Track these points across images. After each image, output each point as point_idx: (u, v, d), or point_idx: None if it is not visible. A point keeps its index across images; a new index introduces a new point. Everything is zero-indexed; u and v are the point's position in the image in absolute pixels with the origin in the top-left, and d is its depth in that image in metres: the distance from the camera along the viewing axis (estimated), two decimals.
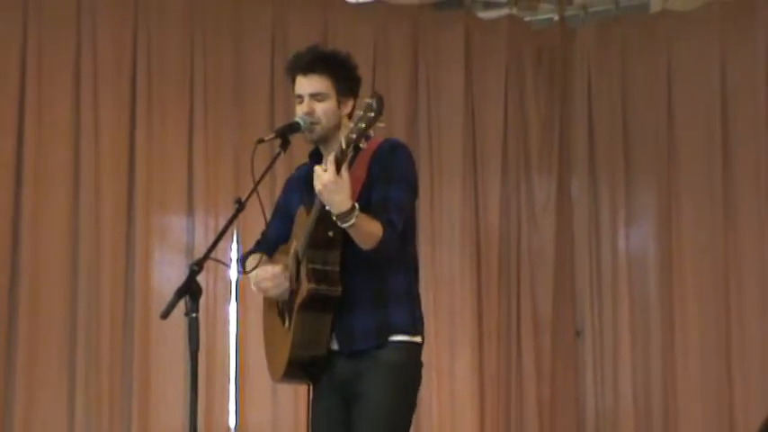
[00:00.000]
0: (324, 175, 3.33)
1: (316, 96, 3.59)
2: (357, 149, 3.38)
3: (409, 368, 3.60)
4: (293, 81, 3.65)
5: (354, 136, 3.28)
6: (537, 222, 6.74)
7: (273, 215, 3.84)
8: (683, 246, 6.44)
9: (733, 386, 6.18)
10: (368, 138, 3.33)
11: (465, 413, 6.40)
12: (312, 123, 3.58)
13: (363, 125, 3.26)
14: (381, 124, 3.29)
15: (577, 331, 6.71)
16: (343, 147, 3.30)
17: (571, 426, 6.62)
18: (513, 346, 6.58)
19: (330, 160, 3.34)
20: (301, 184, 3.72)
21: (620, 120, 6.66)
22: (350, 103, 3.64)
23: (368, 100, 3.28)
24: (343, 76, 3.63)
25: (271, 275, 3.62)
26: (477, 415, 6.40)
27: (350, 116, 3.61)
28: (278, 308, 3.70)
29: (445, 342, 6.44)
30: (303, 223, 3.56)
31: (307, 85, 3.61)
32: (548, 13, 7.01)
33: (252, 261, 3.74)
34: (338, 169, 3.32)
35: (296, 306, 3.52)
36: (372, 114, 3.26)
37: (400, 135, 6.05)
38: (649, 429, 6.43)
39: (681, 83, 6.52)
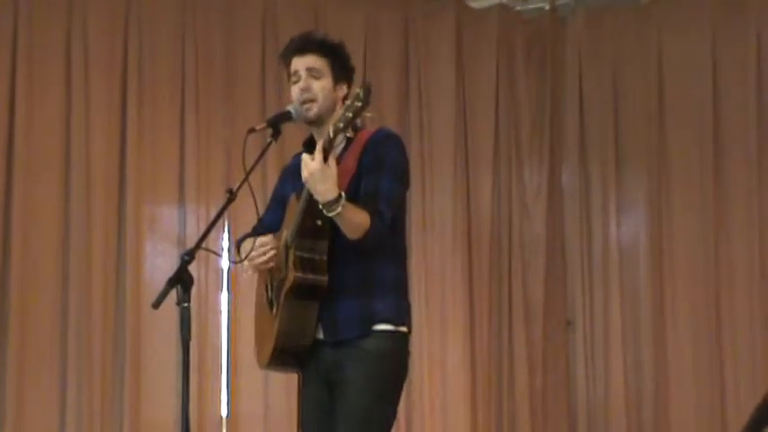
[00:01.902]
0: (311, 164, 3.33)
1: (312, 72, 3.60)
2: (349, 139, 3.37)
3: (394, 357, 3.57)
4: (288, 65, 3.66)
5: (342, 125, 3.28)
6: (528, 211, 6.74)
7: (269, 203, 3.87)
8: (674, 234, 6.44)
9: (724, 375, 6.19)
10: (356, 127, 3.33)
11: (456, 402, 6.40)
12: (308, 101, 3.58)
13: (350, 114, 3.27)
14: (369, 114, 3.30)
15: (569, 320, 6.72)
16: (331, 136, 3.31)
17: (562, 414, 6.63)
18: (505, 334, 6.59)
19: (318, 149, 3.34)
20: (294, 173, 3.71)
21: (611, 108, 6.66)
22: (344, 88, 3.65)
23: (357, 89, 3.28)
24: (338, 60, 3.65)
25: (256, 244, 3.62)
26: (468, 404, 6.41)
27: (343, 102, 3.60)
28: (267, 295, 3.71)
29: (436, 331, 6.44)
30: (294, 211, 3.56)
31: (303, 62, 3.62)
32: (539, 2, 6.99)
33: (246, 245, 3.74)
34: (325, 158, 3.32)
35: (282, 293, 3.53)
36: (360, 104, 3.26)
37: (391, 124, 6.05)
38: (640, 418, 6.44)
39: (672, 71, 6.52)
